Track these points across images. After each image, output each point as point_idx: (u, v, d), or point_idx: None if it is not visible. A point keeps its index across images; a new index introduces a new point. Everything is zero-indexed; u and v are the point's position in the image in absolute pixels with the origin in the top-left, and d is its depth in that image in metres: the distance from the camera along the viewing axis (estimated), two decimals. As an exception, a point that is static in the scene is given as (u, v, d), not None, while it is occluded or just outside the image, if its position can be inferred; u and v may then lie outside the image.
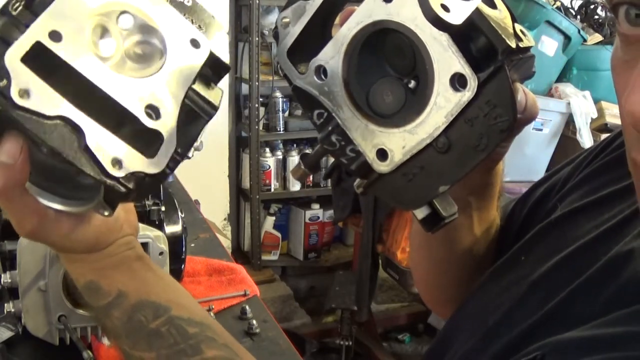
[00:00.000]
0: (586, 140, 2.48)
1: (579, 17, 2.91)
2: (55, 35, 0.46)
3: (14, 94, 0.44)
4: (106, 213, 0.52)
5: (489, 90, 0.41)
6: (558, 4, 2.82)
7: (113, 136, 0.48)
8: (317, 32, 0.48)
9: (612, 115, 2.59)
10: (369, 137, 0.46)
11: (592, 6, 2.93)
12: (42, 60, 0.45)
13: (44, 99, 0.46)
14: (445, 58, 0.42)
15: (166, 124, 0.49)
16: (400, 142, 0.45)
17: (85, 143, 0.46)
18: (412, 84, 0.45)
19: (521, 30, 0.43)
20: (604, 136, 2.69)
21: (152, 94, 0.49)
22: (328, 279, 3.22)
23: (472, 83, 0.41)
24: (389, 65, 0.47)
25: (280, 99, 3.21)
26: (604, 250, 0.52)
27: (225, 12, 3.15)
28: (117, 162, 0.47)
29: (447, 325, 0.68)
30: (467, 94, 0.42)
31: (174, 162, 0.50)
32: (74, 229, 0.55)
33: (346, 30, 0.46)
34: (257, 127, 3.18)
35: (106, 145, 0.47)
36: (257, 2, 2.95)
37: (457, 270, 0.71)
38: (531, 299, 0.55)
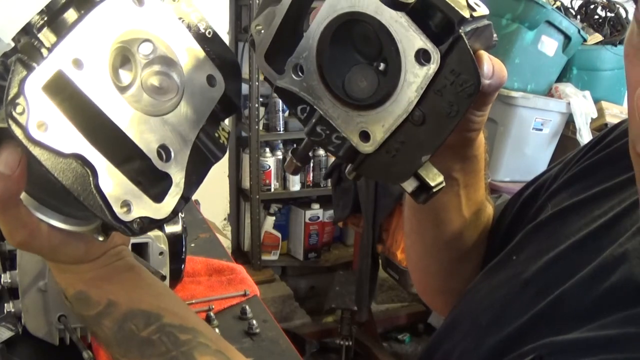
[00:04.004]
0: (586, 140, 2.47)
1: (579, 17, 2.91)
2: (77, 64, 0.44)
3: (32, 126, 0.42)
4: (100, 239, 0.51)
5: (452, 60, 0.44)
6: (558, 4, 2.82)
7: (124, 178, 0.46)
8: (291, 32, 0.50)
9: (612, 115, 2.59)
10: (350, 123, 0.49)
11: (592, 6, 2.92)
12: (59, 87, 0.43)
13: (61, 135, 0.43)
14: (408, 37, 0.45)
15: (176, 167, 0.49)
16: (380, 122, 0.47)
17: (97, 183, 0.45)
18: (381, 66, 0.48)
19: (475, 2, 0.46)
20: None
21: (165, 134, 0.48)
22: (328, 279, 3.22)
23: (435, 56, 0.44)
24: (359, 53, 0.49)
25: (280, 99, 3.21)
26: (595, 248, 0.53)
27: (225, 12, 3.15)
28: (126, 205, 0.46)
29: (442, 325, 0.68)
30: (433, 67, 0.44)
31: (179, 206, 0.50)
32: (65, 242, 0.54)
33: (315, 26, 0.48)
34: (257, 127, 3.18)
35: (117, 187, 0.46)
36: (257, 2, 2.95)
37: (446, 254, 0.71)
38: (522, 298, 0.55)
